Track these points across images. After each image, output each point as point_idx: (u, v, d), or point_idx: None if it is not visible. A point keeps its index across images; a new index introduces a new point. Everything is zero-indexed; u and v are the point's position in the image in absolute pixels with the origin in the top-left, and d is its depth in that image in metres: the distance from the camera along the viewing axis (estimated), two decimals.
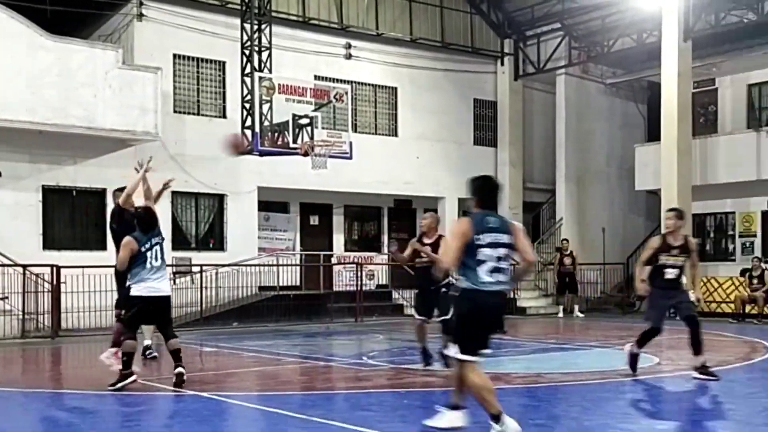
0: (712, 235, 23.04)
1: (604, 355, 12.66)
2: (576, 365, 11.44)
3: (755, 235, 21.89)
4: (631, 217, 25.40)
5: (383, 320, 19.79)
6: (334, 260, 22.12)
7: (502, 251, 6.12)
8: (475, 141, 24.69)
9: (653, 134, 22.66)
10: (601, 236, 23.95)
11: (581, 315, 21.41)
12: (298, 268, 21.54)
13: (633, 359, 9.71)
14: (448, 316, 9.70)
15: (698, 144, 21.73)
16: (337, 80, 21.25)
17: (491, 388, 6.11)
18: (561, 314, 21.69)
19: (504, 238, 6.15)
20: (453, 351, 6.17)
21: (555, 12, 23.63)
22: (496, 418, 6.00)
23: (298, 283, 21.19)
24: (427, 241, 10.05)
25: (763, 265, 20.05)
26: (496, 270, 6.09)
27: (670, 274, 9.48)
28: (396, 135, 23.21)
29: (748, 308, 19.55)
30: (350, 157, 19.18)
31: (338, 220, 23.21)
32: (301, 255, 22.06)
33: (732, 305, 20.06)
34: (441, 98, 23.88)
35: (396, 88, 23.22)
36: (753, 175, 20.94)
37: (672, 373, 10.61)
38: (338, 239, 23.08)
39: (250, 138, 8.74)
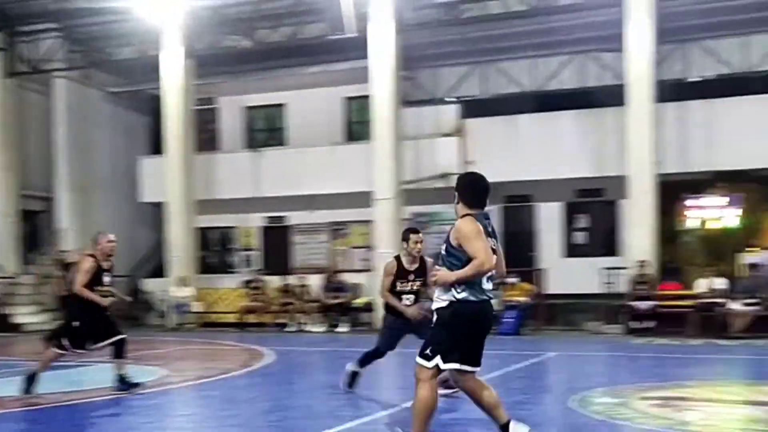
0: (216, 248, 23.79)
1: (108, 370, 12.05)
2: (80, 382, 10.70)
3: (254, 249, 23.18)
4: (136, 229, 24.98)
5: None
6: None
7: (494, 258, 5.50)
8: None
9: (158, 147, 22.67)
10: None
11: None
12: None
13: (352, 377, 9.00)
14: (119, 337, 9.09)
15: (202, 160, 22.25)
16: None
17: (498, 398, 5.69)
18: None
19: (495, 243, 5.61)
20: (434, 362, 5.49)
21: (51, 10, 22.02)
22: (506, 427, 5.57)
23: None
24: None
25: (263, 277, 21.18)
26: (491, 277, 5.55)
27: (406, 300, 8.70)
28: None
29: (249, 318, 20.40)
30: None
31: None
32: None
33: (234, 315, 20.65)
34: None
35: None
36: (251, 192, 22.06)
37: (179, 384, 10.50)
38: None
39: None
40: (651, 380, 10.06)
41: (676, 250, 18.49)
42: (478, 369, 5.70)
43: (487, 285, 5.57)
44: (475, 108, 20.92)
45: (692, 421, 7.51)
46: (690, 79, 19.46)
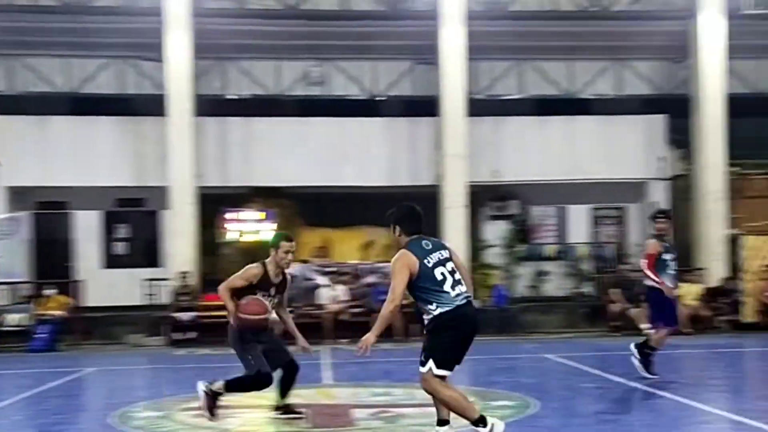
0: None
1: None
2: None
3: None
4: None
5: None
6: None
7: (450, 265, 6.05)
8: None
9: None
10: None
11: None
12: None
13: (212, 401, 7.39)
14: None
15: None
16: None
17: (465, 395, 6.09)
18: None
19: (446, 254, 6.09)
20: (428, 366, 5.93)
21: None
22: (482, 421, 5.96)
23: None
24: None
25: None
26: (457, 283, 6.01)
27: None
28: None
29: None
30: None
31: None
32: None
33: None
34: None
35: None
36: None
37: None
38: None
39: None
40: (193, 391, 9.99)
41: (217, 261, 18.82)
42: (449, 373, 6.05)
43: (455, 291, 5.96)
44: (0, 105, 19.02)
45: (231, 428, 7.59)
46: (228, 96, 19.98)
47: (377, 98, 20.18)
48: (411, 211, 6.29)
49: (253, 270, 7.34)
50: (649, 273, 9.79)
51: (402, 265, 5.93)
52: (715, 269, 18.38)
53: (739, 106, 18.73)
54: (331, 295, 16.89)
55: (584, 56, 20.32)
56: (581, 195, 19.75)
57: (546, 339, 16.32)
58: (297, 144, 19.10)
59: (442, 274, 5.97)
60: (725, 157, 18.69)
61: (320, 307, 16.81)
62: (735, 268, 17.76)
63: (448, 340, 5.96)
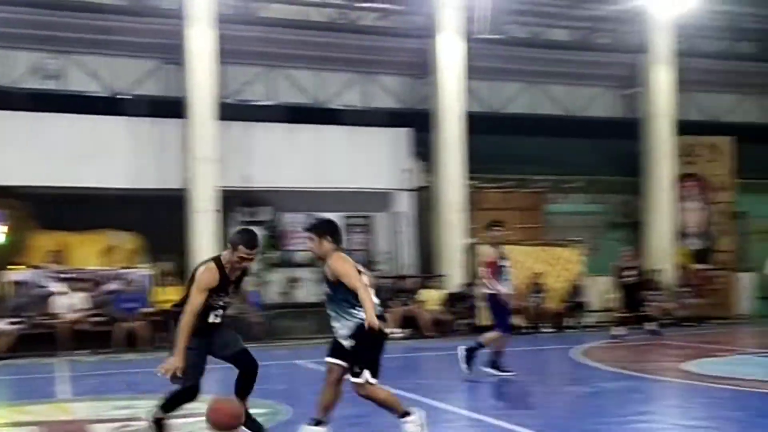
0: None
1: None
2: None
3: None
4: None
5: None
6: None
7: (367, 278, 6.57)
8: None
9: None
10: None
11: None
12: None
13: (158, 426, 6.83)
14: None
15: None
16: None
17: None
18: None
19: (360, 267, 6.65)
20: (364, 377, 6.45)
21: None
22: (407, 413, 6.71)
23: None
24: None
25: None
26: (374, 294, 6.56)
27: (215, 317, 6.71)
28: None
29: None
30: None
31: None
32: None
33: None
34: None
35: None
36: None
37: None
38: None
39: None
40: None
41: None
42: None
43: (377, 300, 6.53)
44: None
45: None
46: None
47: (119, 96, 19.22)
48: (337, 226, 6.91)
49: (209, 276, 6.51)
50: (489, 281, 10.54)
51: (350, 264, 6.46)
52: (454, 276, 19.42)
53: (476, 124, 19.97)
54: (68, 303, 15.81)
55: (333, 67, 20.74)
56: (331, 203, 20.00)
57: (298, 345, 16.40)
58: (30, 141, 17.72)
59: (367, 280, 6.56)
60: (464, 170, 19.85)
61: (55, 316, 15.70)
62: (472, 275, 18.86)
63: (377, 350, 6.56)
